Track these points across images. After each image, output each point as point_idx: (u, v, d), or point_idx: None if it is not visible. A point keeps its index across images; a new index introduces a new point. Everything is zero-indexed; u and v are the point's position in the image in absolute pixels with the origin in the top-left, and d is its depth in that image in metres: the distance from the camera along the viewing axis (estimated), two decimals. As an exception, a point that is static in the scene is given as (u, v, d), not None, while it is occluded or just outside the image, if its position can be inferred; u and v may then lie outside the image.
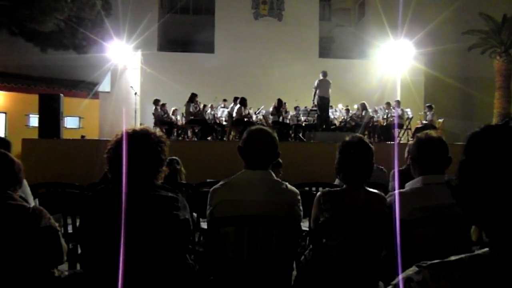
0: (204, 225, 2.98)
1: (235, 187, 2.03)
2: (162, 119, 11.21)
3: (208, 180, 4.47)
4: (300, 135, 11.40)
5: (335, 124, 12.25)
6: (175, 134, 11.39)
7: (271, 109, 11.14)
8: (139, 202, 1.75)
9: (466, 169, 0.79)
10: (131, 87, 13.24)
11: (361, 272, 2.06)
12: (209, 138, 10.64)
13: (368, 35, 17.73)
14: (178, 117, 12.31)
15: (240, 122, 10.08)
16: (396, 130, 11.37)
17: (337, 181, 3.99)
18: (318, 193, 2.19)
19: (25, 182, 2.69)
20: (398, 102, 12.21)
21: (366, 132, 11.21)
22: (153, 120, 11.37)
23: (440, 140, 2.12)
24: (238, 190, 2.01)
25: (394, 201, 2.03)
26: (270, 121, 10.88)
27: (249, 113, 10.84)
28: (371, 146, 2.17)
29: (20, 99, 15.24)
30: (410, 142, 2.27)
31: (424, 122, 11.59)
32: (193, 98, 10.61)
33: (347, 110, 12.74)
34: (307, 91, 10.90)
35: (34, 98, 9.03)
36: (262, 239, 1.93)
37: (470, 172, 0.78)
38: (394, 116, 11.44)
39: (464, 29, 15.61)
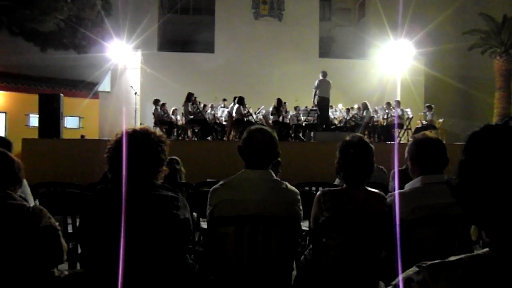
0: (204, 224, 2.98)
1: (235, 186, 2.03)
2: (162, 119, 11.21)
3: (208, 180, 4.48)
4: (300, 135, 11.40)
5: (335, 124, 12.25)
6: (175, 134, 11.39)
7: (271, 109, 11.14)
8: (139, 202, 1.75)
9: (466, 168, 0.79)
10: (131, 87, 13.24)
11: (361, 272, 2.06)
12: (209, 138, 10.64)
13: (368, 35, 17.73)
14: (178, 117, 12.30)
15: (240, 122, 10.08)
16: (396, 130, 11.37)
17: (337, 181, 4.00)
18: (318, 193, 2.19)
19: (25, 182, 2.69)
20: (398, 102, 12.21)
21: (366, 132, 11.21)
22: (153, 120, 11.37)
23: (438, 140, 2.13)
24: (238, 190, 2.01)
25: (394, 201, 2.03)
26: (270, 121, 10.88)
27: (248, 112, 10.83)
28: (371, 146, 2.17)
29: (20, 99, 15.25)
30: (410, 142, 2.28)
31: (424, 122, 11.59)
32: (190, 97, 10.60)
33: (348, 110, 12.74)
34: (307, 91, 10.90)
35: (34, 98, 9.03)
36: (262, 239, 1.93)
37: (470, 171, 0.78)
38: (394, 116, 11.44)
39: (464, 29, 15.61)
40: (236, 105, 10.31)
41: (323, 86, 10.16)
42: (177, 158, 3.91)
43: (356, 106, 12.54)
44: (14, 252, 1.75)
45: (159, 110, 11.27)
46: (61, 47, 13.83)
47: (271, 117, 10.97)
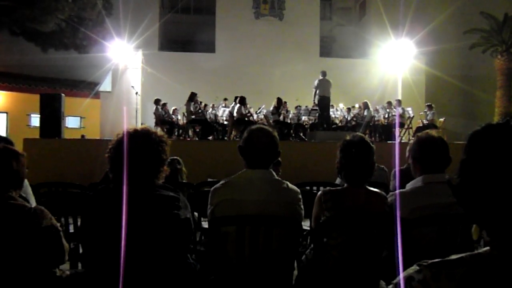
0: (205, 224, 2.98)
1: (236, 186, 2.03)
2: (163, 119, 11.22)
3: (209, 180, 4.48)
4: (301, 134, 11.40)
5: (336, 124, 12.25)
6: (176, 133, 11.40)
7: (271, 108, 11.14)
8: (140, 202, 1.75)
9: (467, 168, 0.79)
10: (132, 86, 13.25)
11: (362, 271, 2.06)
12: (210, 137, 10.64)
13: (369, 34, 17.72)
14: (179, 117, 12.31)
15: (241, 122, 10.08)
16: (397, 129, 11.36)
17: (338, 181, 4.00)
18: (319, 193, 2.19)
19: (26, 182, 2.69)
20: (399, 101, 12.20)
21: (367, 131, 11.20)
22: (154, 120, 11.37)
23: (441, 139, 2.12)
24: (239, 190, 2.01)
25: (395, 201, 2.03)
26: (271, 121, 10.88)
27: (249, 112, 10.83)
28: (372, 145, 2.17)
29: (22, 99, 15.28)
30: (411, 141, 2.27)
31: (425, 121, 11.58)
32: (193, 97, 10.61)
33: (349, 110, 12.73)
34: (308, 91, 10.91)
35: (35, 98, 9.05)
36: (263, 239, 1.93)
37: (471, 171, 0.78)
38: (395, 115, 11.43)
39: (465, 28, 15.59)
40: (237, 105, 10.31)
41: (323, 85, 10.16)
42: (178, 158, 3.91)
43: (357, 105, 12.54)
44: (15, 252, 1.75)
45: (160, 110, 11.28)
46: (62, 47, 13.85)
47: (272, 116, 10.97)
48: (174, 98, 12.86)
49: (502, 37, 15.61)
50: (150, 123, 11.26)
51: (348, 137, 2.18)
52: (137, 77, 15.45)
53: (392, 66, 16.47)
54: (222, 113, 11.77)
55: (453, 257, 0.76)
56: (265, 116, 11.50)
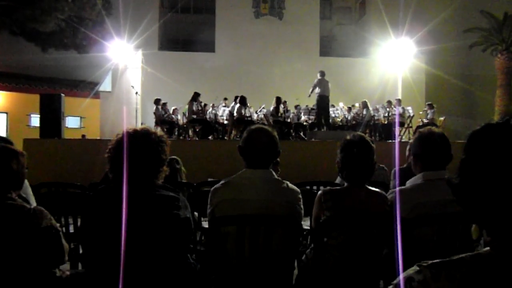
0: (205, 224, 2.98)
1: (236, 186, 2.03)
2: (163, 119, 11.22)
3: (209, 180, 4.48)
4: (301, 134, 11.40)
5: (336, 123, 12.25)
6: (176, 133, 11.40)
7: (271, 108, 11.14)
8: (140, 202, 1.75)
9: (466, 167, 0.79)
10: (132, 86, 13.25)
11: (362, 271, 2.06)
12: (210, 137, 10.64)
13: (369, 34, 17.71)
14: (179, 117, 12.31)
15: (241, 121, 10.08)
16: (397, 129, 11.36)
17: (338, 180, 3.99)
18: (319, 192, 2.19)
19: (26, 182, 2.69)
20: (399, 101, 12.20)
21: (367, 131, 11.20)
22: (154, 120, 11.37)
23: (442, 136, 2.12)
24: (239, 189, 2.01)
25: (395, 199, 2.02)
26: (270, 120, 10.88)
27: (249, 112, 10.83)
28: (372, 144, 2.17)
29: (22, 99, 15.28)
30: (411, 140, 2.27)
31: (425, 120, 11.57)
32: (196, 97, 10.62)
33: (349, 109, 12.73)
34: (308, 90, 10.89)
35: (35, 98, 9.05)
36: (263, 238, 1.93)
37: (470, 170, 0.78)
38: (395, 114, 11.42)
39: (465, 27, 15.58)
40: (237, 105, 10.31)
41: (323, 84, 10.17)
42: (177, 157, 3.91)
43: (357, 104, 12.53)
44: (15, 253, 1.75)
45: (160, 109, 11.27)
46: (62, 47, 13.84)
47: (272, 116, 10.97)
48: (174, 97, 12.86)
49: (502, 36, 15.59)
50: (150, 123, 11.27)
51: (348, 137, 2.18)
52: (137, 77, 15.44)
53: (392, 65, 16.47)
54: (222, 113, 11.76)
55: (453, 257, 0.76)
56: (265, 115, 11.50)
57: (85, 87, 15.93)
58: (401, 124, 11.53)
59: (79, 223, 2.84)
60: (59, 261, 1.92)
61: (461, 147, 0.82)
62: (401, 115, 11.46)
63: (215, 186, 2.08)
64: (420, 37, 15.33)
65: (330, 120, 11.27)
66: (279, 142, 2.12)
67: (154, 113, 11.34)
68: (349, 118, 12.28)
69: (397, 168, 3.34)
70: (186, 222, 1.80)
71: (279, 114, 10.85)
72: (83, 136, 13.98)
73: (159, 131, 1.96)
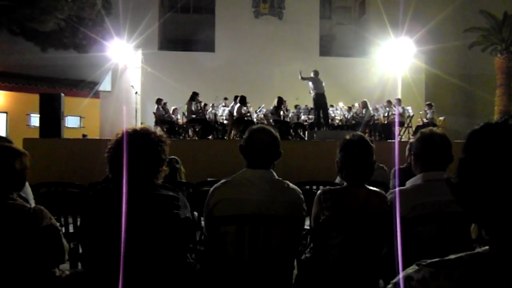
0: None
1: (236, 185, 2.03)
2: (163, 118, 11.22)
3: (208, 179, 4.48)
4: (301, 133, 11.40)
5: (335, 123, 12.25)
6: (176, 133, 11.40)
7: (271, 107, 11.14)
8: (140, 202, 1.75)
9: (465, 166, 0.79)
10: (132, 86, 13.24)
11: (362, 271, 2.06)
12: (210, 137, 10.64)
13: (368, 33, 17.70)
14: (179, 116, 12.31)
15: (240, 121, 10.08)
16: (397, 128, 11.36)
17: (337, 180, 4.00)
18: (319, 192, 2.19)
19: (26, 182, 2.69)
20: (399, 100, 12.20)
21: (367, 130, 11.20)
22: (153, 119, 11.37)
23: (443, 137, 2.12)
24: (240, 189, 2.00)
25: (395, 199, 2.03)
26: (270, 120, 10.88)
27: (249, 112, 10.83)
28: (372, 144, 2.17)
29: (21, 99, 15.28)
30: (411, 140, 2.27)
31: (425, 120, 11.58)
32: (194, 96, 10.62)
33: (349, 108, 12.73)
34: (307, 90, 10.90)
35: (35, 98, 9.04)
36: (263, 238, 1.93)
37: (469, 169, 0.78)
38: (395, 114, 11.43)
39: (465, 26, 15.59)
40: (237, 104, 10.31)
41: (318, 83, 10.15)
42: (176, 157, 3.91)
43: (356, 104, 12.53)
44: (15, 252, 1.75)
45: (160, 109, 11.28)
46: (62, 46, 13.83)
47: (271, 115, 10.97)
48: (173, 97, 12.86)
49: (502, 36, 15.59)
50: (150, 122, 11.26)
51: (347, 136, 2.18)
52: (137, 77, 15.43)
53: (391, 65, 16.47)
54: (222, 113, 11.76)
55: (453, 256, 0.76)
56: (265, 115, 11.50)
57: (84, 86, 15.92)
58: (401, 124, 11.53)
59: (78, 223, 2.84)
60: (59, 261, 1.92)
61: (460, 146, 0.82)
62: (401, 115, 11.46)
63: (215, 185, 2.08)
64: (420, 37, 15.33)
65: (330, 120, 11.26)
66: (281, 143, 2.12)
67: (154, 112, 11.34)
68: (348, 117, 12.28)
69: (396, 167, 3.34)
70: (186, 222, 1.80)
71: (280, 114, 10.85)
72: (84, 135, 13.97)
73: (158, 130, 1.96)
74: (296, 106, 12.54)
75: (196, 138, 10.81)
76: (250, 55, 16.54)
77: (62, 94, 8.77)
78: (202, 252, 2.79)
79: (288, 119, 11.44)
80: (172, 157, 3.82)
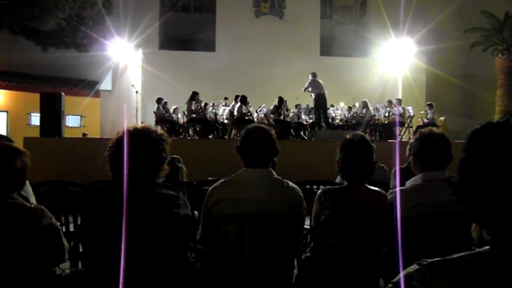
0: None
1: (236, 185, 2.02)
2: (163, 118, 11.22)
3: (209, 178, 4.48)
4: (301, 133, 11.40)
5: (336, 122, 12.25)
6: (176, 132, 11.40)
7: (272, 107, 11.14)
8: (140, 200, 1.75)
9: (466, 166, 0.79)
10: (132, 85, 13.24)
11: (362, 270, 2.06)
12: (210, 136, 10.64)
13: (369, 33, 17.69)
14: (179, 116, 12.31)
15: (241, 121, 10.08)
16: (398, 128, 11.36)
17: (338, 179, 3.99)
18: (319, 191, 2.19)
19: (26, 181, 2.69)
20: (399, 100, 12.20)
21: (368, 130, 11.20)
22: (154, 119, 11.37)
23: (443, 137, 2.12)
24: (239, 188, 2.00)
25: (395, 199, 2.02)
26: (271, 119, 10.88)
27: (249, 112, 10.83)
28: (372, 144, 2.17)
29: (22, 98, 15.28)
30: (411, 140, 2.27)
31: (426, 120, 11.57)
32: (194, 96, 10.62)
33: (349, 108, 12.73)
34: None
35: (35, 97, 9.04)
36: (263, 237, 1.92)
37: (470, 169, 0.78)
38: (395, 114, 11.42)
39: (465, 27, 15.56)
40: (238, 104, 10.31)
41: (316, 84, 10.14)
42: (178, 156, 3.91)
43: (357, 104, 12.53)
44: (15, 251, 1.75)
45: (161, 108, 11.28)
46: (62, 46, 13.82)
47: (272, 115, 10.97)
48: (174, 97, 12.86)
49: (503, 36, 15.57)
50: (151, 122, 11.26)
51: (348, 136, 2.18)
52: (137, 76, 15.44)
53: (392, 65, 16.46)
54: (222, 112, 11.77)
55: (453, 256, 0.76)
56: (265, 115, 11.50)
57: (85, 86, 15.93)
58: (401, 124, 11.53)
59: (79, 222, 2.84)
60: (59, 260, 1.92)
61: (461, 146, 0.82)
62: (401, 115, 11.46)
63: (214, 185, 2.08)
64: (421, 37, 15.32)
65: (330, 120, 11.25)
66: (277, 140, 2.11)
67: (155, 112, 11.34)
68: (348, 117, 12.28)
69: (397, 167, 3.34)
70: (186, 221, 1.80)
71: (280, 114, 10.85)
72: (84, 134, 13.98)
73: (159, 129, 1.96)
74: (296, 106, 12.54)
75: (197, 138, 10.81)
76: (251, 55, 16.54)
77: (63, 93, 8.76)
78: (202, 251, 2.79)
79: (288, 119, 11.44)
80: (174, 156, 3.82)
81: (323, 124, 10.44)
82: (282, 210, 1.98)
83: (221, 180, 2.08)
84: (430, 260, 0.76)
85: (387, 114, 11.79)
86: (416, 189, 2.09)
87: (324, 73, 10.71)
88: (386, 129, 11.43)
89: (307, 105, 12.07)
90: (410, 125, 11.83)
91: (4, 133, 13.24)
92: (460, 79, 15.70)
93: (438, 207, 1.98)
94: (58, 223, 1.96)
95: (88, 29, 13.46)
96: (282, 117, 10.95)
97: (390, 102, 12.12)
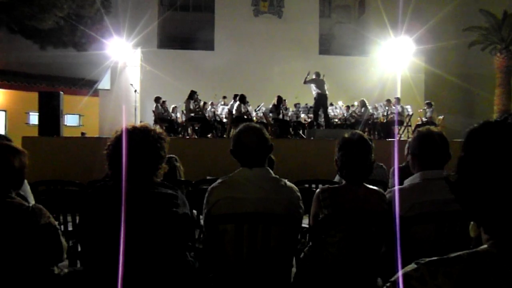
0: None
1: (234, 184, 2.03)
2: (162, 117, 11.21)
3: (208, 177, 4.48)
4: (300, 132, 11.40)
5: (335, 121, 12.25)
6: (175, 131, 11.39)
7: (271, 106, 11.14)
8: (139, 199, 1.75)
9: (465, 165, 0.79)
10: (131, 84, 13.22)
11: (360, 269, 2.06)
12: (209, 135, 10.64)
13: (368, 32, 17.69)
14: (178, 115, 12.31)
15: (240, 120, 10.07)
16: (396, 127, 11.37)
17: (337, 178, 4.00)
18: (318, 190, 2.19)
19: (25, 180, 2.69)
20: (398, 99, 12.20)
21: (366, 129, 11.21)
22: (153, 118, 11.36)
23: (441, 136, 2.12)
24: (237, 188, 2.00)
25: (394, 198, 2.03)
26: (270, 118, 10.88)
27: (248, 110, 10.83)
28: (371, 143, 2.17)
29: (20, 97, 15.25)
30: (410, 139, 2.27)
31: (424, 119, 11.58)
32: (192, 95, 10.61)
33: (348, 107, 12.73)
34: (307, 88, 10.90)
35: (34, 96, 9.02)
36: (261, 236, 1.93)
37: (469, 168, 0.78)
38: (394, 113, 11.43)
39: (464, 25, 15.58)
40: (237, 103, 10.31)
41: (319, 84, 10.15)
42: (175, 156, 3.91)
43: (356, 103, 12.54)
44: (14, 251, 1.75)
45: (159, 108, 11.27)
46: (61, 44, 13.80)
47: (271, 114, 10.97)
48: (173, 96, 12.85)
49: (502, 35, 15.59)
50: (149, 121, 11.25)
51: (346, 135, 2.18)
52: (136, 75, 15.41)
53: (391, 64, 16.47)
54: (221, 111, 11.76)
55: (451, 255, 0.76)
56: (264, 114, 11.50)
57: (84, 85, 15.91)
58: (400, 123, 11.54)
59: (77, 221, 2.84)
60: (58, 259, 1.92)
61: (460, 145, 0.82)
62: (400, 114, 11.46)
63: (212, 185, 2.08)
64: (420, 36, 15.32)
65: (329, 119, 11.26)
66: (270, 137, 2.11)
67: (153, 111, 11.33)
68: (347, 116, 12.28)
69: (396, 166, 3.34)
70: (185, 220, 1.80)
71: (279, 113, 10.85)
72: (83, 133, 13.96)
73: (158, 128, 1.95)
74: (295, 105, 12.54)
75: (195, 137, 10.81)
76: (250, 54, 16.52)
77: (61, 92, 8.75)
78: (201, 250, 2.79)
79: (287, 118, 11.44)
80: (171, 155, 3.82)
81: (321, 123, 10.45)
82: (280, 209, 1.98)
83: (219, 180, 2.08)
84: (428, 259, 0.76)
85: (385, 113, 11.80)
86: (414, 188, 2.09)
87: (323, 72, 10.69)
88: (384, 128, 11.44)
89: (306, 104, 12.07)
90: (409, 124, 11.84)
91: (2, 132, 13.24)
92: (458, 78, 15.71)
93: (436, 206, 1.99)
94: (57, 222, 1.96)
95: (87, 28, 13.44)
96: (281, 116, 10.95)
97: (389, 101, 12.13)
